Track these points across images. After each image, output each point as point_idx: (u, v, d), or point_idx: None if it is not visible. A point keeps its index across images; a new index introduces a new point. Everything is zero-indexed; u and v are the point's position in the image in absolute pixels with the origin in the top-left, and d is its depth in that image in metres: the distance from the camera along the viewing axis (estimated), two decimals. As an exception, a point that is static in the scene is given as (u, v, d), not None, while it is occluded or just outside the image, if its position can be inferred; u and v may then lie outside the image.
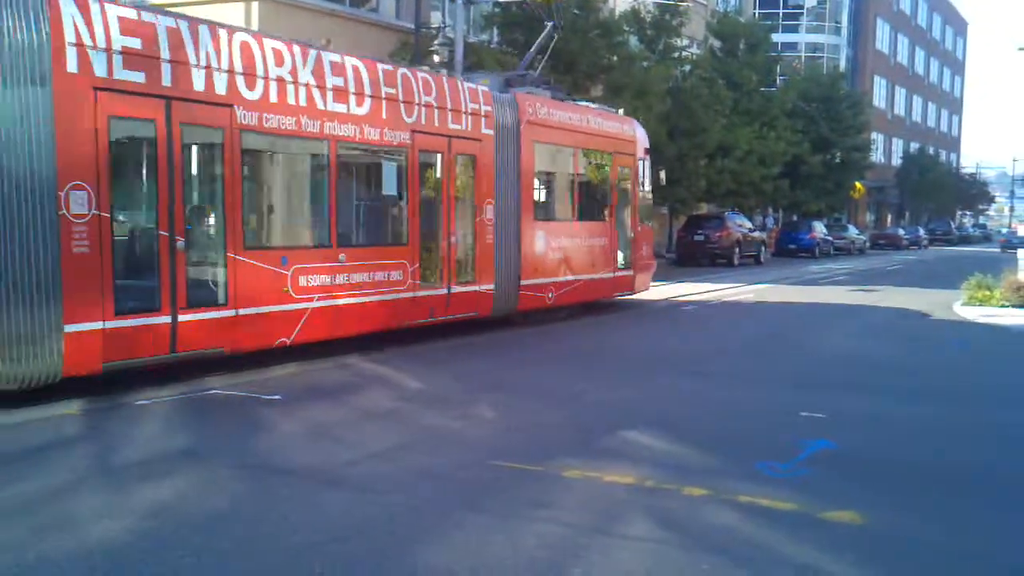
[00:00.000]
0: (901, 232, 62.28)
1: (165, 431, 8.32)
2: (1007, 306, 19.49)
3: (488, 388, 10.54)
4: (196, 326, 10.13)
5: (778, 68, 47.96)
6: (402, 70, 13.34)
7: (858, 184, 52.77)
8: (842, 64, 66.24)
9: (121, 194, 9.83)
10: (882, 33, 76.90)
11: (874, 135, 65.60)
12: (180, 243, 9.96)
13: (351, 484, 6.76)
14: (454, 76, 15.03)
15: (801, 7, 67.35)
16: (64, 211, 8.87)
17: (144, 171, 10.04)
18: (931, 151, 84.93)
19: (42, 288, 8.75)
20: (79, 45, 9.01)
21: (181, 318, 9.97)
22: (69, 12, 8.96)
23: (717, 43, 42.76)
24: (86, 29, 9.09)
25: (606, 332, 16.11)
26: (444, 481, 6.87)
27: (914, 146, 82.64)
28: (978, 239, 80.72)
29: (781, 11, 65.52)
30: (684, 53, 37.52)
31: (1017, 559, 5.65)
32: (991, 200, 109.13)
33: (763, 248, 38.27)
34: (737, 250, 34.98)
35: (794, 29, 66.93)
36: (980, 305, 19.75)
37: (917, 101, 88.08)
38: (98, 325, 9.20)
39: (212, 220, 10.83)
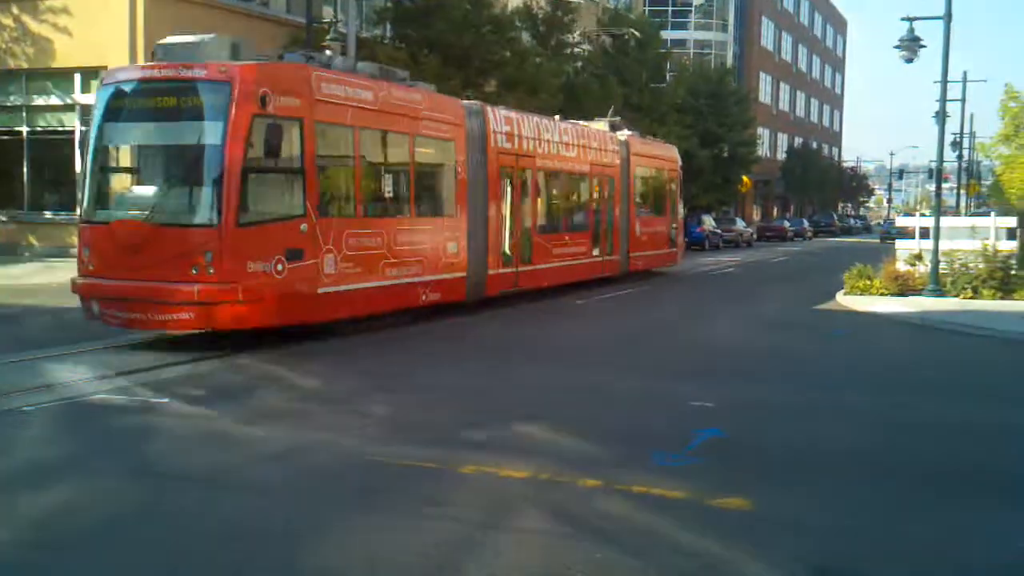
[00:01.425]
0: (787, 224, 64.01)
1: (49, 438, 8.06)
2: (886, 295, 20.29)
3: (377, 387, 10.48)
4: (525, 273, 19.06)
5: (667, 64, 48.78)
6: (587, 127, 22.97)
7: (745, 178, 54.08)
8: (729, 60, 67.80)
9: (503, 204, 18.35)
10: (767, 31, 78.97)
11: (760, 130, 67.26)
12: (490, 228, 17.72)
13: (244, 487, 6.67)
14: (605, 130, 24.09)
15: (689, 5, 68.63)
16: (471, 211, 16.91)
17: (509, 191, 18.67)
18: (814, 145, 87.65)
19: (480, 251, 17.18)
20: (494, 132, 17.75)
21: (519, 269, 18.81)
22: (491, 114, 17.87)
23: (608, 40, 43.25)
24: (495, 123, 17.94)
25: (503, 327, 16.22)
26: (339, 480, 6.83)
27: (798, 140, 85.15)
28: (859, 230, 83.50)
29: (670, 8, 66.66)
30: (576, 49, 37.87)
31: (896, 538, 5.90)
32: (871, 192, 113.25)
33: (655, 241, 38.85)
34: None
35: (683, 26, 68.18)
36: (861, 294, 20.50)
37: (800, 97, 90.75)
38: (496, 271, 17.81)
39: (529, 217, 19.45)
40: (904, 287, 20.61)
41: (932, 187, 27.99)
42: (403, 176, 15.36)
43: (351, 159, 13.88)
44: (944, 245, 20.57)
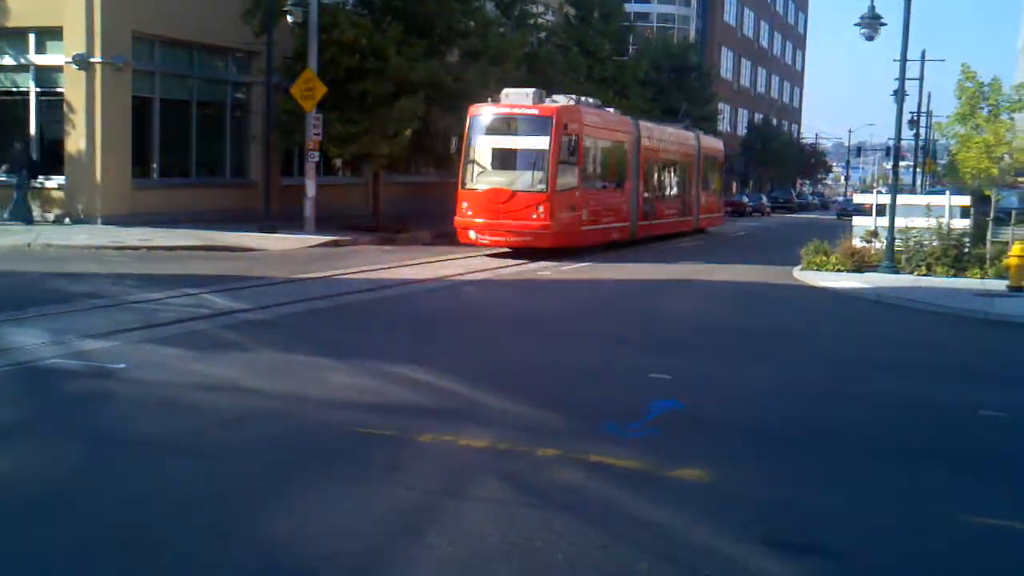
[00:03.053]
0: (746, 200, 64.32)
1: None
2: (842, 270, 20.52)
3: (327, 353, 10.38)
4: (652, 226, 29.57)
5: (631, 37, 48.72)
6: (678, 129, 34.05)
7: (706, 153, 54.27)
8: (691, 35, 67.88)
9: (644, 181, 29.16)
10: (729, 6, 79.10)
11: (721, 105, 67.52)
12: (639, 197, 28.55)
13: (201, 453, 6.61)
14: (692, 129, 36.65)
15: (653, -22, 68.56)
16: (632, 186, 28.05)
17: (646, 173, 29.31)
18: (774, 122, 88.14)
19: (635, 210, 28.10)
20: (642, 135, 28.99)
21: (650, 222, 29.50)
22: (640, 124, 29.52)
23: (572, 11, 43.11)
24: (643, 129, 29.39)
25: (458, 296, 16.20)
26: (297, 447, 6.80)
27: (758, 117, 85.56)
28: (816, 206, 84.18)
29: (634, -19, 66.51)
30: (539, 20, 37.66)
31: (850, 511, 5.99)
32: (828, 169, 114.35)
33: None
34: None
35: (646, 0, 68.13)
36: (818, 270, 20.71)
37: (762, 73, 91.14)
38: (641, 223, 28.73)
39: (654, 189, 30.18)
40: (860, 263, 20.87)
41: (889, 165, 28.28)
42: (609, 164, 26.47)
43: (592, 155, 24.89)
44: (900, 222, 20.85)
